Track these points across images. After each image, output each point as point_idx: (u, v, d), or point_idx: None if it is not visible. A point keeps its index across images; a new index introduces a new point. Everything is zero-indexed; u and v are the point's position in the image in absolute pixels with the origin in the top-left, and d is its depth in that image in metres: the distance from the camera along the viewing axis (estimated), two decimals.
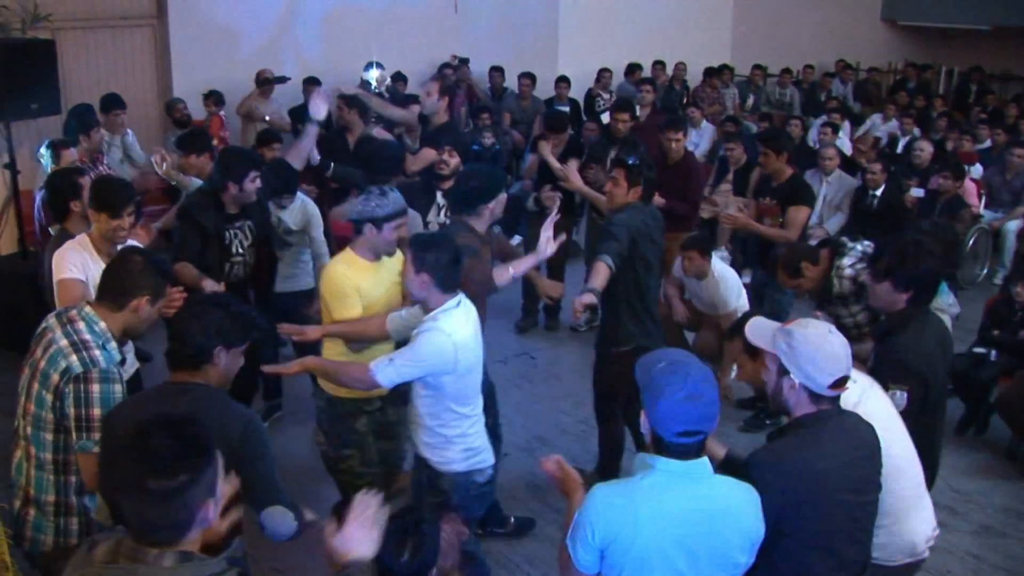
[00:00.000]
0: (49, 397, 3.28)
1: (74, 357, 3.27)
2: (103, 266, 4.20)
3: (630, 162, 5.34)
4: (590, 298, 4.66)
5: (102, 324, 3.40)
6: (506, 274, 4.58)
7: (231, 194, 5.30)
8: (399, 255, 4.45)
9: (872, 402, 3.38)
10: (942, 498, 5.49)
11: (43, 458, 3.37)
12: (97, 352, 3.30)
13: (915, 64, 16.32)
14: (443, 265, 3.85)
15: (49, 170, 6.48)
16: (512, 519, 5.37)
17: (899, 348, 3.82)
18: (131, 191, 4.58)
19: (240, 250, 5.46)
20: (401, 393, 4.53)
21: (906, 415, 3.57)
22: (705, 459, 2.73)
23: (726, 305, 6.57)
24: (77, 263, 4.31)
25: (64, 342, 3.31)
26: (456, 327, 3.84)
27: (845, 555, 3.06)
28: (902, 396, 3.71)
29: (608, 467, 5.76)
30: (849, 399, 3.28)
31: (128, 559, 2.15)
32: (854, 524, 3.07)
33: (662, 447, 2.69)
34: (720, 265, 6.93)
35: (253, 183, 5.30)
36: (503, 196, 4.92)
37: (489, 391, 5.02)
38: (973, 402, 6.60)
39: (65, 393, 3.25)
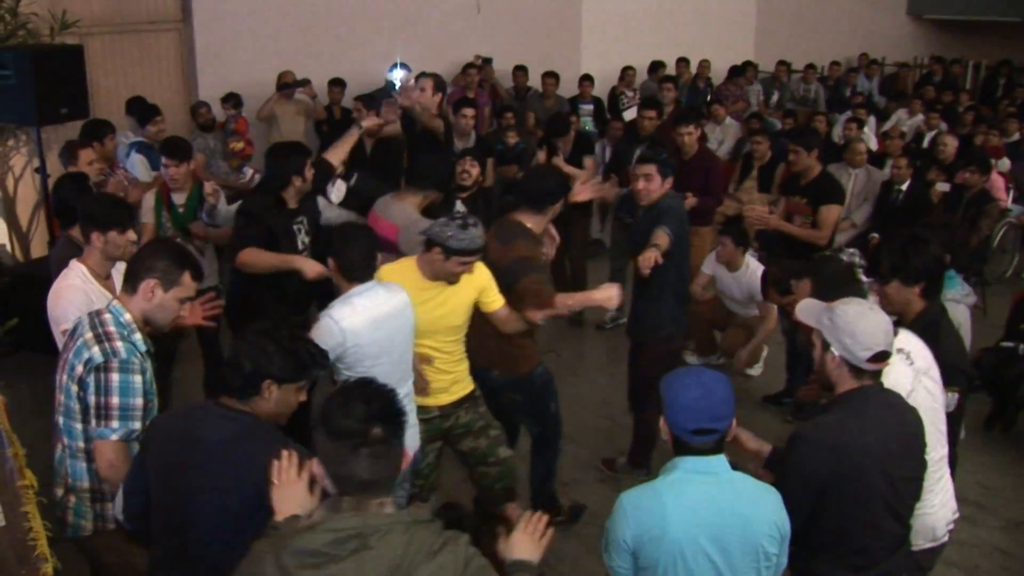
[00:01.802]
0: (74, 388, 3.37)
1: (96, 348, 3.34)
2: (105, 292, 4.18)
3: (662, 157, 5.50)
4: (657, 253, 4.87)
5: (127, 316, 3.45)
6: (564, 305, 4.67)
7: (295, 187, 5.28)
8: (476, 278, 4.48)
9: (921, 392, 3.47)
10: (970, 493, 5.49)
11: (75, 447, 3.47)
12: (119, 343, 3.36)
13: (941, 58, 16.20)
14: (348, 255, 4.06)
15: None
16: (570, 506, 5.53)
17: (949, 352, 3.80)
18: (126, 202, 4.57)
19: (303, 246, 5.41)
20: (475, 398, 4.69)
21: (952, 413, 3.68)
22: (723, 456, 2.83)
23: (760, 296, 6.64)
24: (78, 302, 4.07)
25: (89, 334, 3.39)
26: (347, 314, 3.97)
27: (885, 526, 3.14)
28: (953, 397, 3.77)
29: (640, 457, 5.90)
30: (903, 385, 3.39)
31: (353, 510, 2.31)
32: (895, 497, 3.14)
33: (681, 447, 2.82)
34: (753, 260, 7.00)
35: (311, 171, 5.33)
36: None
37: (548, 383, 5.16)
38: (1001, 397, 6.56)
39: (87, 383, 3.33)
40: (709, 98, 13.10)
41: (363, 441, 2.30)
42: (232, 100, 9.90)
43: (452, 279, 4.35)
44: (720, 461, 2.82)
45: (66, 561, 3.40)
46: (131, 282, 3.49)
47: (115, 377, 3.33)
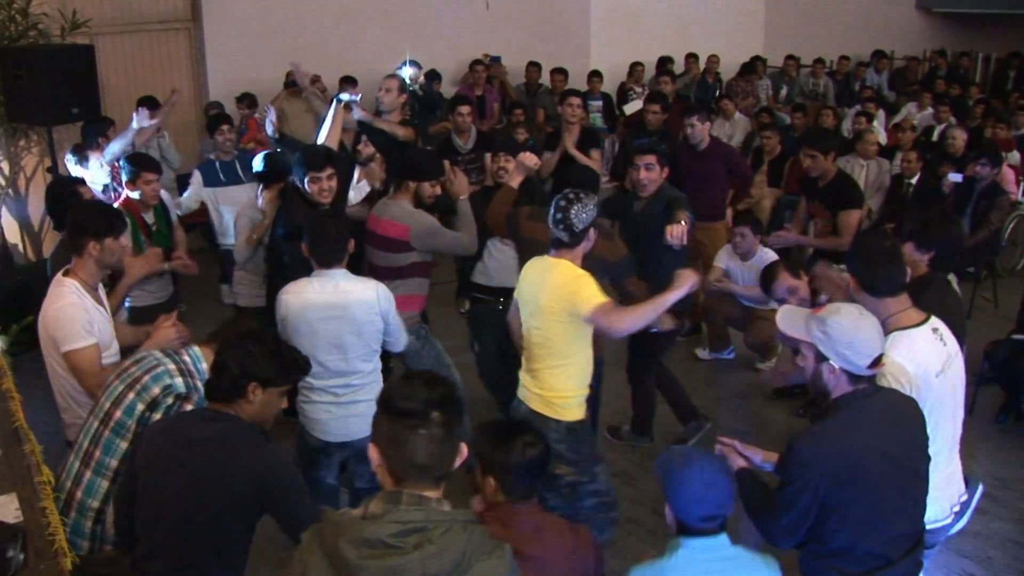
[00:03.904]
0: (141, 407, 3.40)
1: (180, 380, 3.45)
2: (98, 305, 4.19)
3: (660, 147, 5.71)
4: (683, 226, 5.15)
5: (205, 365, 3.54)
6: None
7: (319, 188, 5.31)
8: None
9: (951, 374, 3.56)
10: (982, 485, 5.47)
11: (107, 463, 3.44)
12: (200, 384, 3.47)
13: (943, 51, 16.16)
14: (318, 241, 4.32)
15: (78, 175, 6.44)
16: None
17: (946, 309, 3.85)
18: (116, 208, 4.59)
19: None
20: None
21: None
22: (724, 535, 2.94)
23: None
24: (82, 321, 4.03)
25: (173, 366, 3.49)
26: (292, 289, 4.32)
27: (895, 527, 3.15)
28: None
29: (643, 426, 6.13)
30: (935, 365, 3.46)
31: (415, 504, 2.31)
32: (902, 497, 3.14)
33: (686, 531, 2.93)
34: (764, 249, 7.04)
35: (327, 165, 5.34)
36: None
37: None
38: (1013, 390, 6.54)
39: (160, 403, 3.40)
40: (718, 93, 13.10)
41: (422, 423, 2.31)
42: (247, 100, 9.91)
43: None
44: (722, 540, 2.92)
45: None
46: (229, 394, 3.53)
47: (188, 408, 3.42)
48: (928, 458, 3.25)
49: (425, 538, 2.26)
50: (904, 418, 3.18)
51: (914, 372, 3.37)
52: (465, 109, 7.95)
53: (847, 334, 3.07)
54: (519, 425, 3.12)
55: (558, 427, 4.28)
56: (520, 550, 2.79)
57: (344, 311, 4.28)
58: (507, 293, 5.48)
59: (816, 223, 6.69)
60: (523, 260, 4.99)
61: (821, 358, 3.14)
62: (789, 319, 3.32)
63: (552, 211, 4.18)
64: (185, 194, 7.32)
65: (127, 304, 5.75)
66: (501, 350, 5.60)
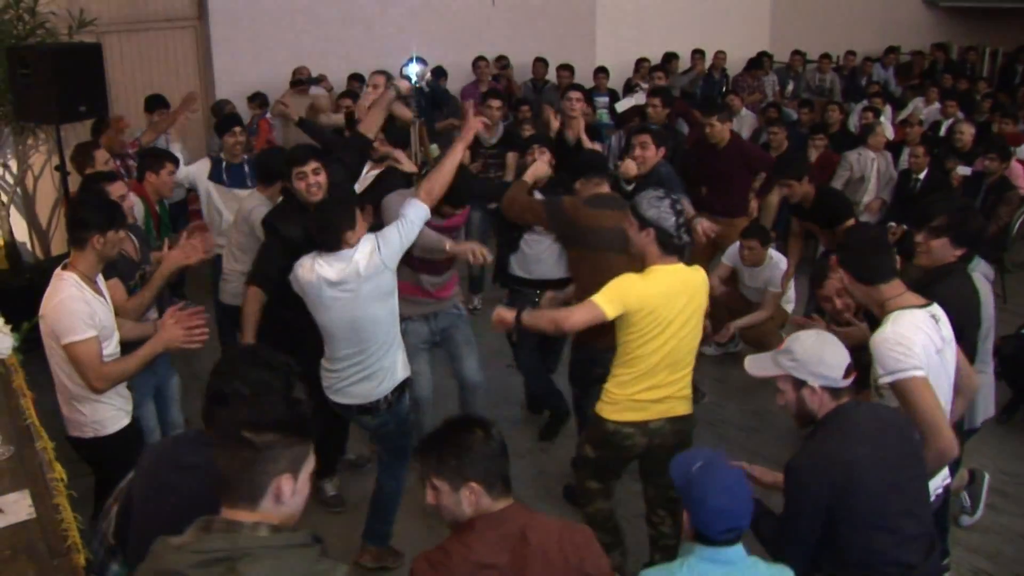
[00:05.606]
0: None
1: None
2: (97, 296, 4.20)
3: (653, 127, 5.99)
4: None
5: None
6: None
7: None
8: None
9: (945, 360, 3.70)
10: (991, 480, 5.47)
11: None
12: None
13: (942, 45, 16.11)
14: (320, 224, 4.33)
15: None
16: None
17: (938, 297, 3.88)
18: (113, 200, 4.63)
19: None
20: None
21: None
22: (740, 545, 2.89)
23: (778, 285, 6.82)
24: (83, 313, 4.06)
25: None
26: (307, 264, 4.35)
27: (906, 529, 3.17)
28: None
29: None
30: (933, 344, 3.58)
31: (224, 531, 2.20)
32: (903, 498, 3.17)
33: (704, 540, 2.88)
34: (775, 253, 7.02)
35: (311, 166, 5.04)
36: None
37: None
38: (1021, 385, 6.53)
39: None
40: (724, 89, 13.08)
41: (223, 440, 2.26)
42: (258, 100, 9.89)
43: None
44: (738, 551, 2.87)
45: None
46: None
47: None
48: (923, 460, 3.33)
49: (229, 568, 2.11)
50: (891, 425, 3.26)
51: (919, 343, 3.51)
52: (495, 103, 7.95)
53: (815, 352, 3.24)
54: (461, 422, 2.92)
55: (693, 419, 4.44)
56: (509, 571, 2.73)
57: (353, 284, 4.28)
58: (544, 285, 5.74)
59: (821, 239, 6.79)
60: (590, 252, 4.90)
61: (799, 385, 3.27)
62: (757, 364, 3.49)
63: (674, 217, 4.08)
64: (187, 168, 7.26)
65: None
66: (540, 341, 5.88)
